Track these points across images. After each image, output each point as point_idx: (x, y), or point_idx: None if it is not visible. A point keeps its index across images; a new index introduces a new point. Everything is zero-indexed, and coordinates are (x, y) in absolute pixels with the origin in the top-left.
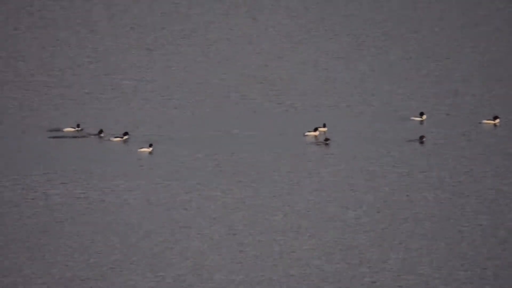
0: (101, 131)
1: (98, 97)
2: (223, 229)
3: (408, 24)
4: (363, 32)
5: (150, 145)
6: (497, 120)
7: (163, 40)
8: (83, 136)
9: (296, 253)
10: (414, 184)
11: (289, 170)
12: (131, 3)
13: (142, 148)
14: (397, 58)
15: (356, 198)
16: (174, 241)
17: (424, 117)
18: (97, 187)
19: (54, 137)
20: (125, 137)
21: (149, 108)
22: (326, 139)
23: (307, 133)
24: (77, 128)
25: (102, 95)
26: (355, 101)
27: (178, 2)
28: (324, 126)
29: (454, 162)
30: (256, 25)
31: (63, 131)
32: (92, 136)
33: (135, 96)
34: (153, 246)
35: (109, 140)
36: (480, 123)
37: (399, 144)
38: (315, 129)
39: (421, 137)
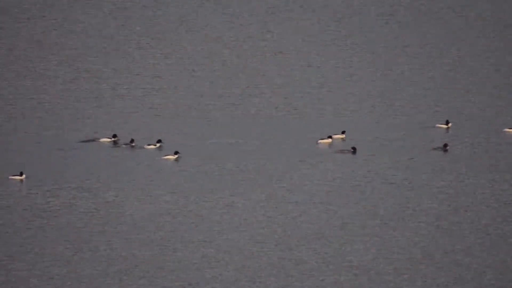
0: (132, 140)
1: (132, 107)
2: (247, 240)
3: (433, 31)
4: (389, 39)
5: (176, 153)
6: None
7: (188, 50)
8: (117, 146)
9: (321, 264)
10: (436, 193)
11: (315, 179)
12: (156, 13)
13: (167, 155)
14: (423, 65)
15: (379, 206)
16: (194, 249)
17: (450, 124)
18: (118, 196)
19: (90, 147)
20: (158, 144)
21: (180, 116)
22: (353, 148)
23: (320, 141)
24: (113, 139)
25: (134, 105)
26: (379, 108)
27: (200, 8)
28: (343, 133)
29: (476, 170)
30: (277, 32)
31: (99, 141)
32: (124, 146)
33: (166, 104)
34: (175, 254)
35: (143, 148)
36: (502, 131)
37: (423, 152)
38: (329, 137)
39: (445, 145)
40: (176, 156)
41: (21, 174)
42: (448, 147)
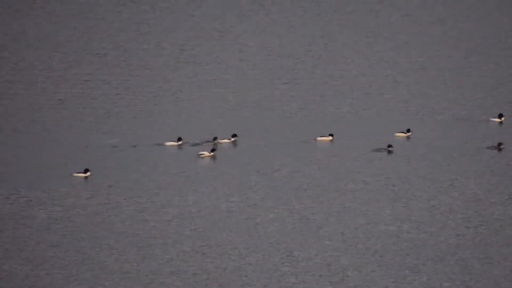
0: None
1: (196, 108)
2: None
3: (484, 24)
4: (435, 31)
5: (212, 150)
6: None
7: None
8: (182, 147)
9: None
10: (486, 197)
11: (354, 179)
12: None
13: (203, 152)
14: (474, 55)
15: (421, 211)
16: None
17: (503, 118)
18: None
19: (157, 151)
20: (233, 139)
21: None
22: (389, 146)
23: (318, 138)
24: (178, 142)
25: (197, 105)
26: (431, 101)
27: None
28: (408, 131)
29: None
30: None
31: (165, 145)
32: (189, 146)
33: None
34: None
35: (218, 142)
36: None
37: (475, 149)
38: (330, 135)
39: (499, 144)
40: (212, 153)
41: (85, 172)
42: (502, 146)
